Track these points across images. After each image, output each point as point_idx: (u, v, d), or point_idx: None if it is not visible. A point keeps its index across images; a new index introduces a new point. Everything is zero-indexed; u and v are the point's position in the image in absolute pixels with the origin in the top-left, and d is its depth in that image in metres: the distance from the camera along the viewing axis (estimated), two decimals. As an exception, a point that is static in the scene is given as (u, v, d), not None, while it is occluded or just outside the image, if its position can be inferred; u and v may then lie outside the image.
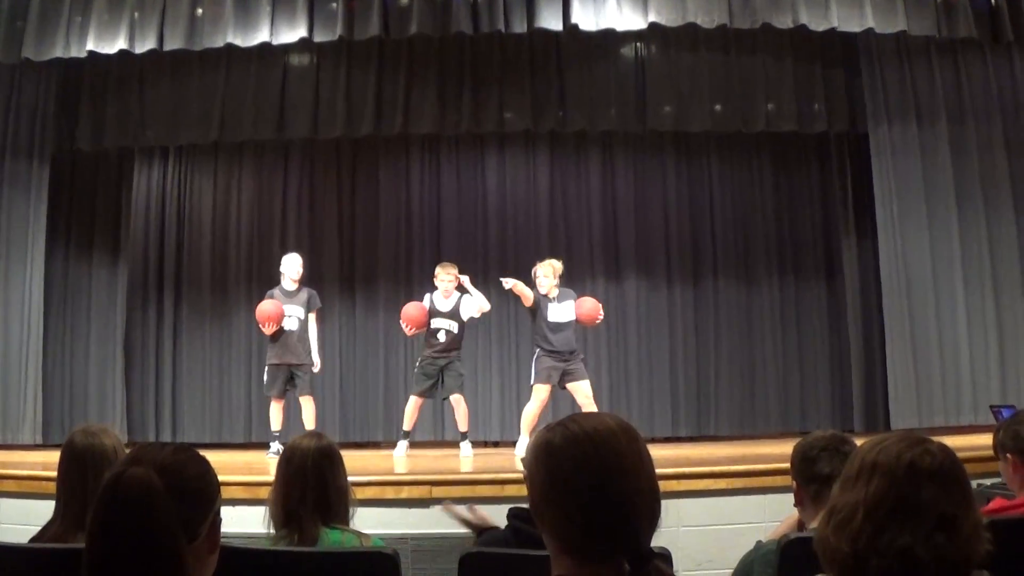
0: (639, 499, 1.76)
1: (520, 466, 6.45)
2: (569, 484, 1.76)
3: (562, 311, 8.73)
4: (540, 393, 8.67)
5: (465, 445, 9.05)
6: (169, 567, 1.79)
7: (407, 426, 9.12)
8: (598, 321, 9.11)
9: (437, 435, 10.31)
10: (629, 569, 1.72)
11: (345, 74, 10.21)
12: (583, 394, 8.63)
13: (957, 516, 1.86)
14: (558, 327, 8.69)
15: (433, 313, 9.10)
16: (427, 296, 9.24)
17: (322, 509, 3.41)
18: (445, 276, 9.14)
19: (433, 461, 8.63)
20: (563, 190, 11.67)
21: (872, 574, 1.85)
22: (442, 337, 9.03)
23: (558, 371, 8.66)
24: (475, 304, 9.07)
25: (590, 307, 8.94)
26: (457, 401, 9.06)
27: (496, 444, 10.76)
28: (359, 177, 11.72)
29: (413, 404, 9.11)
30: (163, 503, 1.80)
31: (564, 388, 8.80)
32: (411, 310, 9.08)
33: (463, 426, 9.11)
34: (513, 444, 9.09)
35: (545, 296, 8.76)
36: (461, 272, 9.13)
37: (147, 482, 1.81)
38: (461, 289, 9.19)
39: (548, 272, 8.79)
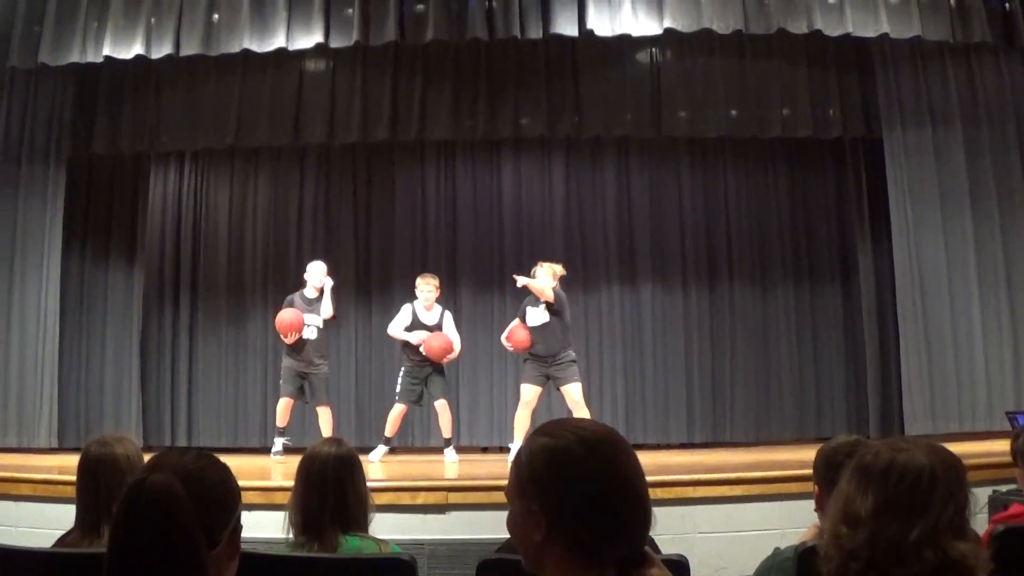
0: (643, 502, 1.77)
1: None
2: (590, 488, 1.74)
3: (536, 315, 8.73)
4: (525, 394, 8.72)
5: (449, 451, 9.05)
6: (190, 573, 1.80)
7: (389, 432, 9.06)
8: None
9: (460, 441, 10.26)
10: (617, 572, 1.73)
11: (361, 80, 10.20)
12: (570, 398, 8.63)
13: (937, 520, 1.88)
14: (533, 330, 8.72)
15: (415, 325, 9.04)
16: (407, 306, 9.19)
17: (342, 517, 3.41)
18: (426, 287, 9.07)
19: (447, 467, 8.65)
20: (579, 196, 11.66)
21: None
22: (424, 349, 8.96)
23: (541, 374, 8.72)
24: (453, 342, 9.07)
25: (439, 344, 8.90)
26: (442, 407, 9.03)
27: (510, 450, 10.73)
28: (375, 183, 11.75)
29: (398, 412, 9.05)
30: (185, 509, 1.81)
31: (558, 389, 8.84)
32: (438, 341, 8.93)
33: (447, 432, 9.08)
34: None
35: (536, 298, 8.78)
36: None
37: (169, 488, 1.83)
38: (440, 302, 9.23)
39: (549, 274, 8.76)
